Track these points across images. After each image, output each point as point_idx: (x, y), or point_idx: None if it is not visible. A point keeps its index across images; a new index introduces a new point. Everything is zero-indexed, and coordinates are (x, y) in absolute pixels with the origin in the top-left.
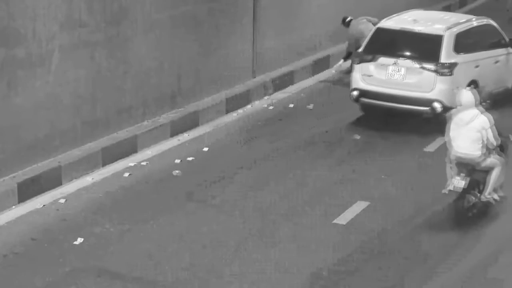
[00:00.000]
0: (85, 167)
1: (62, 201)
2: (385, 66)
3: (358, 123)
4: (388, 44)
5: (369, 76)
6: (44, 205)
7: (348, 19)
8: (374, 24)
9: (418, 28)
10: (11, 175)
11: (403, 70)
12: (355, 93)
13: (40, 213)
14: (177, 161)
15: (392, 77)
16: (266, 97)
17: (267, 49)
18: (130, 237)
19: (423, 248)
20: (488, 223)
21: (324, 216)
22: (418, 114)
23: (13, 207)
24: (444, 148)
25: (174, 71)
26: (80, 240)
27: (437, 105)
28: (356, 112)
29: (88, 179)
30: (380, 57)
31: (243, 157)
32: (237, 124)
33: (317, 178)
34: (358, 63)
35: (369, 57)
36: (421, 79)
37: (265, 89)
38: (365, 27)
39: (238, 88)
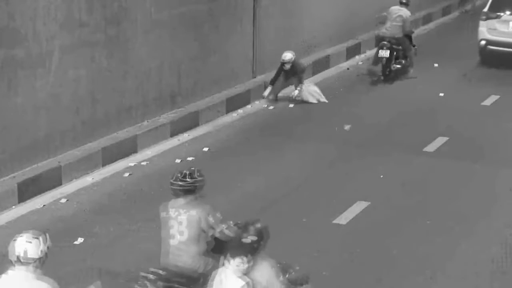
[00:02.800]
0: (85, 167)
1: (62, 201)
2: (507, 21)
3: (358, 123)
4: (509, 4)
5: (494, 29)
6: (44, 205)
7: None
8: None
9: None
10: (11, 175)
11: None
12: (482, 42)
13: (40, 213)
14: (177, 161)
15: None
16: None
17: (267, 49)
18: (130, 237)
19: (422, 248)
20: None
21: (324, 216)
22: None
23: (13, 207)
24: (443, 148)
25: (174, 71)
26: (80, 240)
27: None
28: (355, 112)
29: (88, 179)
30: (503, 14)
31: (242, 157)
32: (237, 124)
33: (316, 178)
34: (485, 20)
35: (494, 14)
36: None
37: (265, 89)
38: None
39: (238, 88)
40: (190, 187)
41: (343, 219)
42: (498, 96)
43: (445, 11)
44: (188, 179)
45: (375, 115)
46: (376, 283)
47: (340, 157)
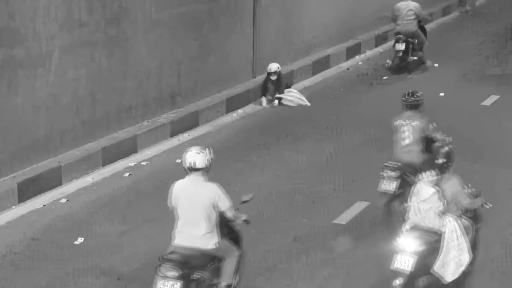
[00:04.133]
0: (85, 167)
1: (62, 201)
2: None
3: (357, 123)
4: None
5: None
6: (44, 205)
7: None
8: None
9: None
10: (11, 175)
11: None
12: None
13: (40, 213)
14: (178, 161)
15: None
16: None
17: (267, 49)
18: (130, 237)
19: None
20: None
21: (324, 216)
22: None
23: (13, 207)
24: None
25: (174, 71)
26: (80, 240)
27: None
28: (355, 111)
29: (88, 179)
30: None
31: (242, 157)
32: (237, 124)
33: (316, 178)
34: None
35: None
36: None
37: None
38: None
39: (238, 88)
40: (416, 103)
41: (343, 219)
42: (498, 96)
43: (445, 11)
44: (415, 97)
45: (375, 115)
46: (376, 283)
47: (340, 156)
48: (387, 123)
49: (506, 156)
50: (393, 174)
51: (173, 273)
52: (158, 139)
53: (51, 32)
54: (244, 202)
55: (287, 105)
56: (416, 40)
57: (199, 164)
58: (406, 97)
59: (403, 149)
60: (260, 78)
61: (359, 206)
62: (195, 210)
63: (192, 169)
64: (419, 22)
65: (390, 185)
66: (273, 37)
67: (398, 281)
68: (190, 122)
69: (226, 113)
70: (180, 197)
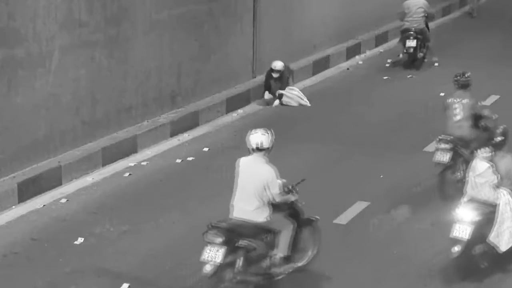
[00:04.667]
0: (85, 167)
1: (62, 201)
2: None
3: (358, 122)
4: None
5: None
6: (44, 205)
7: None
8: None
9: None
10: (11, 175)
11: None
12: None
13: (40, 213)
14: (178, 161)
15: None
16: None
17: (267, 49)
18: (130, 237)
19: (422, 248)
20: None
21: (324, 216)
22: None
23: (13, 207)
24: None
25: (174, 71)
26: (80, 240)
27: None
28: (355, 111)
29: (88, 179)
30: None
31: (242, 157)
32: (237, 124)
33: (317, 178)
34: None
35: None
36: None
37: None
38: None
39: (238, 88)
40: (466, 82)
41: (343, 219)
42: (498, 96)
43: (445, 11)
44: (465, 77)
45: (375, 115)
46: (376, 283)
47: (340, 157)
48: (387, 123)
49: None
50: (446, 146)
51: (218, 239)
52: (158, 139)
53: (51, 32)
54: (297, 184)
55: (287, 105)
56: (423, 37)
57: (265, 144)
58: (458, 77)
59: (455, 124)
60: (260, 78)
61: (359, 206)
62: (249, 187)
63: (258, 149)
64: (426, 19)
65: (444, 156)
66: (273, 37)
67: (456, 248)
68: (190, 122)
69: (226, 113)
70: (240, 172)
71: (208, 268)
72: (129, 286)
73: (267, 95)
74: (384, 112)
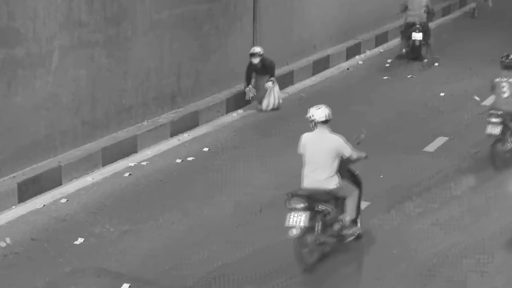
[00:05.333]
0: (85, 167)
1: (62, 201)
2: None
3: (358, 123)
4: None
5: None
6: (44, 205)
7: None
8: None
9: None
10: (11, 175)
11: None
12: None
13: (40, 213)
14: (178, 161)
15: None
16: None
17: (267, 49)
18: (130, 237)
19: (422, 248)
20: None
21: None
22: None
23: (13, 207)
24: (443, 148)
25: (174, 71)
26: (80, 240)
27: None
28: (355, 111)
29: (88, 179)
30: None
31: (242, 157)
32: (237, 124)
33: None
34: None
35: None
36: None
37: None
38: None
39: (238, 88)
40: (510, 64)
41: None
42: None
43: (445, 11)
44: (510, 59)
45: (375, 114)
46: (376, 283)
47: None
48: (387, 123)
49: None
50: (497, 120)
51: (300, 205)
52: (158, 139)
53: (51, 32)
54: (359, 142)
55: (278, 102)
56: (425, 33)
57: (330, 116)
58: (504, 58)
59: (503, 101)
60: None
61: None
62: (319, 157)
63: (322, 122)
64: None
65: (495, 129)
66: (273, 37)
67: None
68: (190, 122)
69: (226, 113)
70: (308, 147)
71: (294, 232)
72: (129, 286)
73: (250, 92)
74: (384, 112)
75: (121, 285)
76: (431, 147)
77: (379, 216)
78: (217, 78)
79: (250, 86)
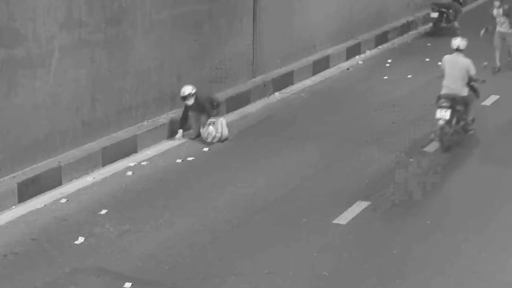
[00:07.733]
0: (85, 167)
1: (62, 201)
2: None
3: (358, 122)
4: None
5: None
6: (44, 205)
7: None
8: None
9: None
10: (11, 175)
11: None
12: None
13: (40, 213)
14: (178, 161)
15: None
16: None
17: (267, 49)
18: (130, 237)
19: (422, 248)
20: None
21: (324, 216)
22: None
23: (13, 207)
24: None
25: (174, 71)
26: (80, 240)
27: None
28: (355, 111)
29: (88, 179)
30: None
31: (242, 157)
32: (237, 124)
33: (316, 178)
34: None
35: None
36: None
37: (265, 89)
38: None
39: (238, 88)
40: None
41: (343, 219)
42: (498, 96)
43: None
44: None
45: (375, 114)
46: (376, 283)
47: (340, 156)
48: (387, 123)
49: (506, 156)
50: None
51: (447, 103)
52: (158, 139)
53: (51, 32)
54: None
55: (209, 136)
56: (451, 10)
57: (462, 47)
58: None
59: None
60: (260, 78)
61: (359, 206)
62: (455, 72)
63: (456, 49)
64: None
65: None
66: (273, 37)
67: None
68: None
69: (226, 113)
70: (447, 64)
71: (441, 123)
72: (132, 285)
73: (178, 134)
74: (384, 111)
75: (121, 285)
76: (431, 147)
77: (379, 216)
78: (217, 78)
79: (180, 131)
